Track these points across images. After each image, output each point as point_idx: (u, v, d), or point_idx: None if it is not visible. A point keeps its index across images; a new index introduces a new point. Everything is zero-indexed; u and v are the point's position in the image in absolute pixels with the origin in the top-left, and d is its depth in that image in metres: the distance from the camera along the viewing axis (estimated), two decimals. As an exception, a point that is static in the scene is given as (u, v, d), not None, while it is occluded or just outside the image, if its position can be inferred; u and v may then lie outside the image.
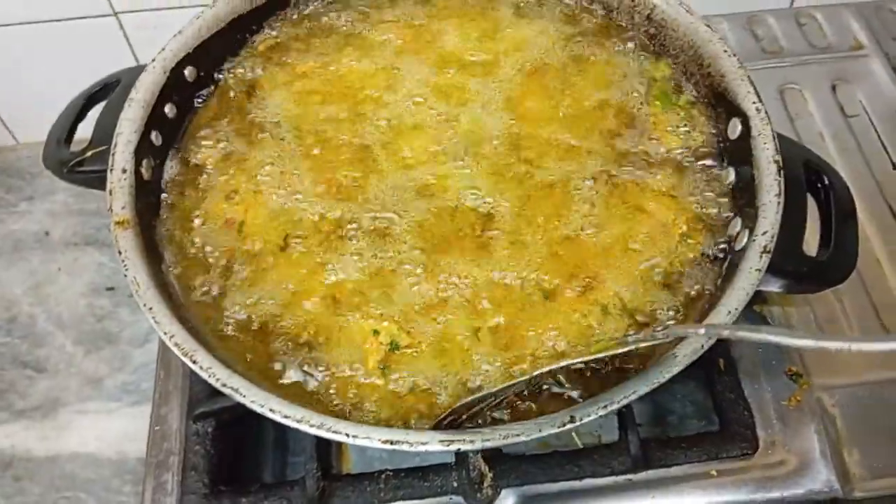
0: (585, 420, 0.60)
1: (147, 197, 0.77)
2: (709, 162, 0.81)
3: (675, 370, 0.62)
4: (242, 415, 0.82)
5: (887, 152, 1.02)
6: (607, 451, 0.79)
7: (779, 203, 0.70)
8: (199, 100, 0.87)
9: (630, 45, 0.89)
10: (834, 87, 1.08)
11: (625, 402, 0.61)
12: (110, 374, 1.12)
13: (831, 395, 0.83)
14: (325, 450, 0.84)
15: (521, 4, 0.94)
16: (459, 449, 0.60)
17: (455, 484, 0.78)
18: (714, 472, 0.79)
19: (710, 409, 0.86)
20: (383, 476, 0.78)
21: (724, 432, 0.81)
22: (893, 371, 0.85)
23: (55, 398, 1.10)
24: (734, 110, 0.79)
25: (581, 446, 0.83)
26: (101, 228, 1.23)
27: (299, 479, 0.78)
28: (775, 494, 0.79)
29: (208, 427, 0.82)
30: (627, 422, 0.79)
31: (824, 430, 0.81)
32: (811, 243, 0.77)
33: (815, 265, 0.74)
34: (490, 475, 0.77)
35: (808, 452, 0.80)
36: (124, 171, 0.74)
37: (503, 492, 0.78)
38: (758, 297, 0.88)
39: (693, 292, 0.73)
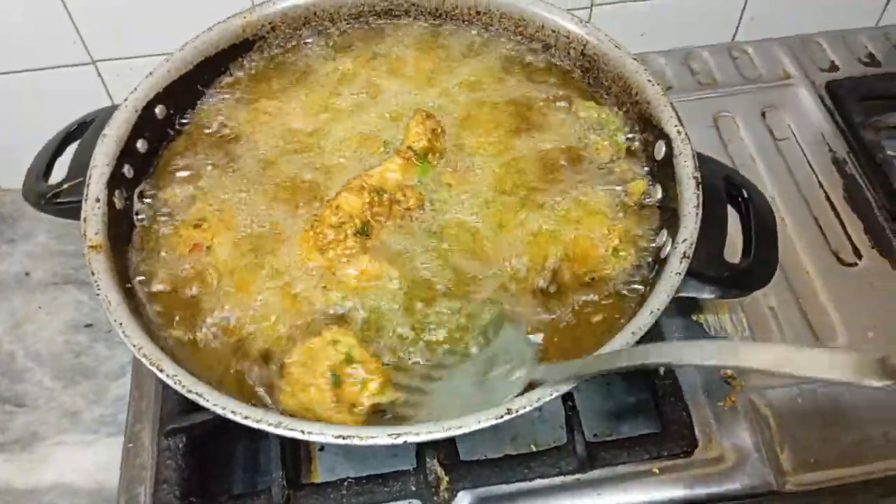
0: (521, 412, 0.65)
1: (119, 224, 0.82)
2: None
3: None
4: (213, 432, 0.87)
5: (814, 172, 1.09)
6: (555, 452, 0.83)
7: (697, 214, 0.77)
8: (170, 136, 0.93)
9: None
10: (764, 114, 1.16)
11: (556, 394, 0.66)
12: (87, 408, 1.15)
13: (763, 395, 0.89)
14: (293, 462, 0.88)
15: (472, 45, 1.01)
16: (406, 441, 0.64)
17: (413, 488, 0.82)
18: (656, 470, 0.84)
19: (659, 416, 0.91)
20: (345, 483, 0.82)
21: (664, 433, 0.86)
22: (821, 372, 0.90)
23: (34, 432, 1.13)
24: (659, 133, 0.86)
25: (536, 452, 0.87)
26: (79, 268, 1.27)
27: (266, 489, 0.82)
28: (714, 490, 0.83)
29: (179, 443, 0.85)
30: (574, 424, 0.83)
31: (758, 429, 0.87)
32: (739, 253, 0.84)
33: (738, 271, 0.80)
34: (446, 479, 0.82)
35: (743, 450, 0.85)
36: (98, 200, 0.80)
37: (459, 494, 0.82)
38: (694, 307, 0.95)
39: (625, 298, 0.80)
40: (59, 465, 1.11)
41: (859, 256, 1.00)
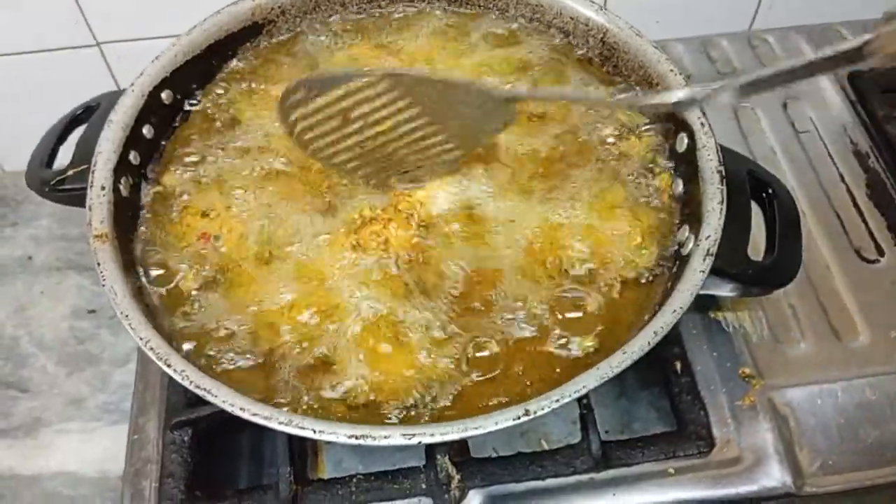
0: (539, 413, 0.64)
1: (125, 213, 0.80)
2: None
3: (624, 366, 0.66)
4: (219, 424, 0.85)
5: (835, 165, 1.06)
6: (569, 451, 0.82)
7: (721, 210, 0.75)
8: (177, 122, 0.91)
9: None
10: (785, 106, 1.13)
11: (575, 395, 0.64)
12: (91, 395, 1.15)
13: (783, 395, 0.86)
14: (300, 456, 0.86)
15: (488, 32, 0.99)
16: (420, 442, 0.63)
17: (424, 486, 0.80)
18: (672, 470, 0.82)
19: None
20: (354, 479, 0.81)
21: (681, 432, 0.84)
22: (842, 371, 0.88)
23: (37, 418, 1.12)
24: (681, 125, 0.83)
25: (548, 450, 0.86)
26: (83, 253, 1.26)
27: (273, 484, 0.80)
28: (731, 491, 0.81)
29: (185, 436, 0.84)
30: (589, 423, 0.82)
31: (777, 429, 0.84)
32: (761, 249, 0.82)
33: (761, 268, 0.78)
34: (457, 477, 0.80)
35: (761, 450, 0.83)
36: (103, 188, 0.78)
37: (470, 492, 0.80)
38: (712, 304, 0.93)
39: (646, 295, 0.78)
40: (62, 452, 1.10)
41: (881, 253, 0.98)
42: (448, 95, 0.77)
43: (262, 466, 0.93)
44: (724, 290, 0.79)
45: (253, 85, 0.94)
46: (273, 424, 0.64)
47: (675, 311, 0.68)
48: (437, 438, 0.63)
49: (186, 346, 0.75)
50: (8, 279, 1.25)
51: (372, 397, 0.72)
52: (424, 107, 0.78)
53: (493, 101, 0.78)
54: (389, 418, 0.71)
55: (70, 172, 0.82)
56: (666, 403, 0.90)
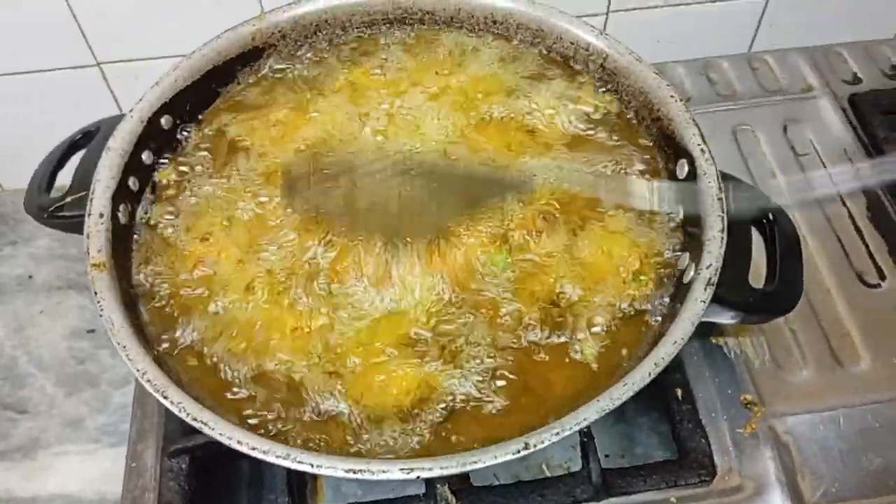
0: (539, 447, 0.63)
1: (124, 240, 0.80)
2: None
3: (625, 397, 0.66)
4: (217, 452, 0.84)
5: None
6: (570, 479, 0.81)
7: (722, 238, 0.74)
8: (176, 147, 0.91)
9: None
10: (785, 128, 1.13)
11: (576, 427, 0.64)
12: (90, 416, 1.14)
13: (784, 422, 0.86)
14: (299, 485, 0.86)
15: (490, 56, 0.98)
16: (419, 476, 0.62)
17: (423, 514, 0.80)
18: (674, 499, 0.82)
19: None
20: (353, 509, 0.80)
21: (682, 460, 0.83)
22: (844, 398, 0.88)
23: (36, 439, 1.11)
24: (681, 152, 0.83)
25: (548, 477, 0.85)
26: (83, 273, 1.24)
27: (271, 513, 0.80)
28: (733, 520, 0.81)
29: (183, 464, 0.83)
30: (589, 451, 0.81)
31: (779, 457, 0.84)
32: (762, 275, 0.81)
33: (762, 296, 0.78)
34: (457, 506, 0.80)
35: (763, 478, 0.83)
36: (101, 215, 0.78)
37: (470, 521, 0.80)
38: (714, 330, 0.92)
39: (644, 325, 0.77)
40: (61, 474, 1.09)
41: (883, 278, 0.98)
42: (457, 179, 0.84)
43: (261, 494, 0.92)
44: (725, 318, 0.79)
45: (253, 109, 0.94)
46: (271, 458, 0.63)
47: (675, 341, 0.68)
48: (436, 473, 0.62)
49: (184, 377, 0.74)
50: (7, 298, 1.24)
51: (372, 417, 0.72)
52: (431, 187, 0.84)
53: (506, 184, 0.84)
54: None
55: (68, 199, 0.82)
56: (666, 428, 0.90)
